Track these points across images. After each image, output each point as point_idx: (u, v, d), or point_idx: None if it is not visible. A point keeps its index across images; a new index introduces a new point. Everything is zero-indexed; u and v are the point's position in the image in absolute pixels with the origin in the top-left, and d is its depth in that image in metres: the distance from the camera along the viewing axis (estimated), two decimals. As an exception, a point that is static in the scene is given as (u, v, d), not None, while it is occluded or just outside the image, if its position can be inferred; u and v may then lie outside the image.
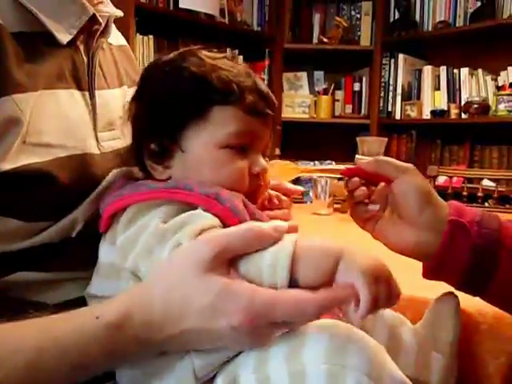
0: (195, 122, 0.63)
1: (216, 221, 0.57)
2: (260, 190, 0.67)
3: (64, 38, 0.66)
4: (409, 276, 0.90)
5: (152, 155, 0.65)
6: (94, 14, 0.69)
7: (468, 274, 0.62)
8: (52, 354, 0.48)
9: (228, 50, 3.19)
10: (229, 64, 0.67)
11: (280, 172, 0.70)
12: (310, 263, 0.50)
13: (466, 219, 0.62)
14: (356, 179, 0.67)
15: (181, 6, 2.85)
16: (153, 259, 0.56)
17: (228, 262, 0.51)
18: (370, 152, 1.57)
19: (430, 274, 0.65)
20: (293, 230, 0.55)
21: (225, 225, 0.57)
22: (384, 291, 0.49)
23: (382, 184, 0.66)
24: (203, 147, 0.64)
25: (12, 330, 0.49)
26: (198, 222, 0.55)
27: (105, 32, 0.72)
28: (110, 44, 0.79)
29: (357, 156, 0.68)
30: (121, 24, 0.88)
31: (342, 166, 0.70)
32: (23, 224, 0.61)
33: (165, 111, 0.65)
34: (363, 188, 0.67)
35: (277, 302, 0.48)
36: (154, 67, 0.70)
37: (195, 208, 0.58)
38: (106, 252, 0.63)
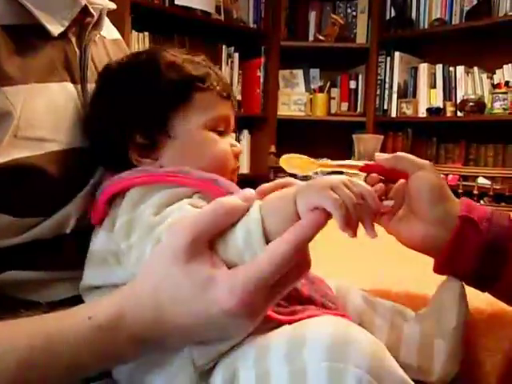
0: (181, 108, 0.66)
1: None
2: (237, 170, 0.70)
3: (55, 30, 0.65)
4: (412, 273, 0.90)
5: (138, 149, 0.65)
6: (86, 6, 0.68)
7: (477, 269, 0.63)
8: (44, 354, 0.47)
9: (224, 46, 3.20)
10: (191, 56, 0.70)
11: (297, 166, 0.68)
12: (277, 218, 0.49)
13: (476, 215, 0.63)
14: (375, 175, 0.67)
15: (176, 2, 2.84)
16: (144, 250, 0.55)
17: (207, 244, 0.49)
18: (366, 149, 1.57)
19: (440, 268, 0.66)
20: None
21: None
22: (347, 194, 0.48)
23: (401, 181, 0.67)
24: (191, 131, 0.66)
25: (3, 328, 0.48)
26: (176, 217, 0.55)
27: (97, 25, 0.72)
28: (104, 37, 0.78)
29: (376, 154, 0.66)
30: (116, 20, 0.87)
31: (360, 162, 0.69)
32: (14, 219, 0.61)
33: (150, 101, 0.65)
34: (381, 184, 0.66)
35: (257, 270, 0.47)
36: (118, 66, 0.69)
37: (194, 192, 0.60)
38: (102, 239, 0.62)
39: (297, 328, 0.52)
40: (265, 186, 0.64)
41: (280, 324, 0.55)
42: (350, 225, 0.48)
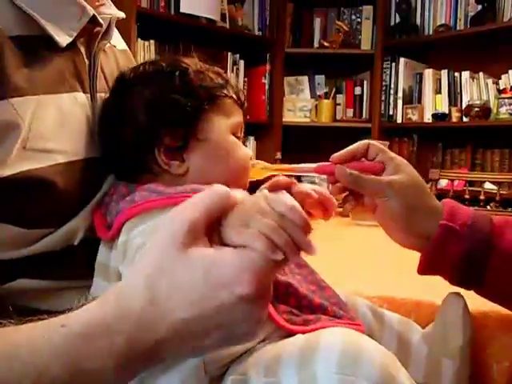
0: (210, 112, 0.68)
1: None
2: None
3: (63, 40, 0.65)
4: (417, 279, 0.90)
5: (167, 151, 0.66)
6: (94, 16, 0.68)
7: (458, 276, 0.64)
8: (10, 365, 0.41)
9: (229, 54, 3.21)
10: (209, 66, 0.73)
11: (254, 173, 0.72)
12: None
13: (457, 221, 0.63)
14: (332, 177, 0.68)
15: (182, 10, 2.85)
16: None
17: (204, 230, 0.45)
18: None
19: (422, 272, 0.67)
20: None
21: None
22: (263, 223, 0.44)
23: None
24: (219, 134, 0.69)
25: None
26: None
27: (106, 34, 0.72)
28: (114, 47, 0.79)
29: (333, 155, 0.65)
30: (122, 29, 0.88)
31: (314, 164, 0.70)
32: (22, 231, 0.61)
33: (181, 104, 0.66)
34: (337, 185, 0.68)
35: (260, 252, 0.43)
36: (140, 72, 0.70)
37: None
38: (106, 253, 0.63)
39: (309, 339, 0.52)
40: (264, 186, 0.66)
41: (291, 333, 0.55)
42: (279, 251, 0.44)
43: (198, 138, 0.67)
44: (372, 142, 0.69)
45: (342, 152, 0.68)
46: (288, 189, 0.68)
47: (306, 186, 0.71)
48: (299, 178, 0.75)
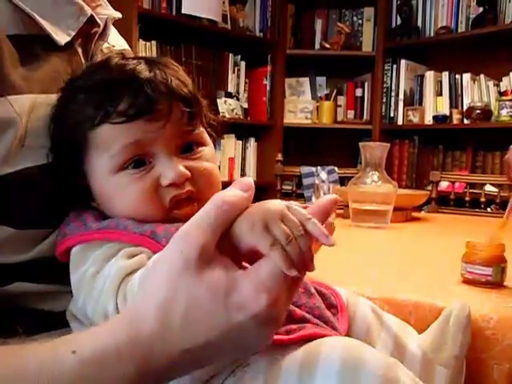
0: (82, 157, 0.59)
1: (137, 260, 0.54)
2: (185, 199, 0.58)
3: (62, 39, 0.65)
4: (418, 281, 0.90)
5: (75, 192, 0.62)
6: (92, 16, 0.68)
7: None
8: None
9: (230, 55, 3.21)
10: (99, 76, 0.59)
11: None
12: None
13: None
14: None
15: (183, 11, 2.86)
16: (95, 300, 0.54)
17: (216, 246, 0.44)
18: (373, 157, 1.57)
19: None
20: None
21: None
22: (282, 231, 0.43)
23: None
24: (98, 179, 0.59)
25: None
26: (114, 275, 0.53)
27: (103, 35, 0.72)
28: (113, 46, 0.79)
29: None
30: (124, 29, 0.88)
31: None
32: (16, 232, 0.60)
33: (59, 156, 0.61)
34: None
35: (271, 263, 0.43)
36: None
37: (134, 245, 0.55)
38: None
39: (309, 350, 0.51)
40: None
41: (278, 344, 0.52)
42: (294, 264, 0.42)
43: (86, 183, 0.60)
44: None
45: None
46: None
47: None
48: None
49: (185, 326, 0.42)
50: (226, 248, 0.44)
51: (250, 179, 0.47)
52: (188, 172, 0.58)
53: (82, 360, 0.41)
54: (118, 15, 0.75)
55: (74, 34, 0.67)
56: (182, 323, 0.42)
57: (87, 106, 0.57)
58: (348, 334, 0.64)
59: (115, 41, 0.80)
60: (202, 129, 0.63)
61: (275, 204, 0.45)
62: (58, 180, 0.61)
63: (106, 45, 0.75)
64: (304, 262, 0.43)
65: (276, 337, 0.51)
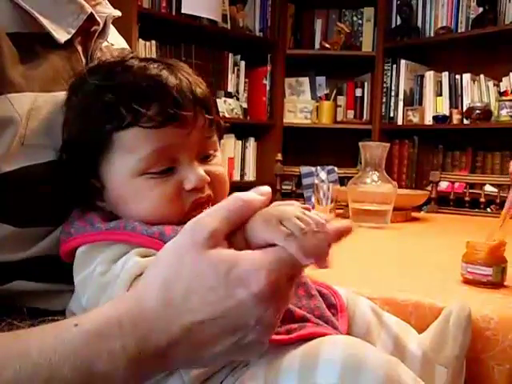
0: (102, 157, 0.59)
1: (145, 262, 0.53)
2: (205, 202, 0.60)
3: (62, 37, 0.65)
4: (415, 281, 0.89)
5: (92, 190, 0.62)
6: (91, 14, 0.68)
7: None
8: (19, 365, 0.40)
9: (230, 55, 3.21)
10: (124, 78, 0.59)
11: None
12: None
13: None
14: None
15: (183, 11, 2.85)
16: (108, 297, 0.54)
17: (225, 237, 0.45)
18: (373, 157, 1.57)
19: None
20: None
21: None
22: (297, 225, 0.45)
23: None
24: (118, 181, 0.59)
25: None
26: (128, 269, 0.53)
27: (103, 33, 0.72)
28: (112, 45, 0.79)
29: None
30: (123, 29, 0.88)
31: None
32: (17, 230, 0.61)
33: (75, 153, 0.61)
34: None
35: (279, 251, 0.44)
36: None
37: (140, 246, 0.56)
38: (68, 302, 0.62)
39: (309, 349, 0.51)
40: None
41: (278, 344, 0.53)
42: (309, 254, 0.44)
43: (103, 185, 0.60)
44: None
45: None
46: None
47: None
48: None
49: (186, 299, 0.42)
50: (238, 245, 0.45)
51: (268, 187, 0.49)
52: (208, 177, 0.60)
53: (83, 331, 0.42)
54: (118, 13, 0.75)
55: (73, 31, 0.67)
56: (183, 296, 0.43)
57: (115, 107, 0.57)
58: (348, 334, 0.64)
59: (114, 40, 0.80)
60: (215, 134, 0.65)
61: (292, 205, 0.48)
62: (67, 178, 0.61)
63: (105, 43, 0.75)
64: (318, 254, 0.45)
65: (276, 337, 0.52)
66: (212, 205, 0.58)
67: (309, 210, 0.48)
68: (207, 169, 0.61)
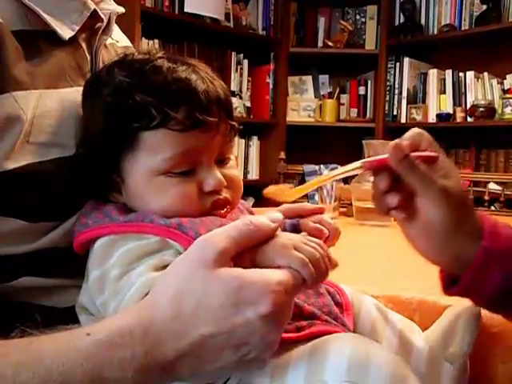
0: (126, 153, 0.60)
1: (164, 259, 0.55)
2: (223, 204, 0.62)
3: (66, 34, 0.66)
4: (422, 279, 0.89)
5: (112, 183, 0.63)
6: (95, 11, 0.69)
7: (495, 300, 0.57)
8: (32, 371, 0.41)
9: (233, 53, 3.21)
10: (154, 78, 0.60)
11: (278, 196, 0.64)
12: None
13: (499, 245, 0.56)
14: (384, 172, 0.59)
15: (186, 10, 2.86)
16: (118, 303, 0.54)
17: (231, 258, 0.47)
18: (376, 155, 1.56)
19: (452, 293, 0.59)
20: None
21: None
22: (310, 251, 0.50)
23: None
24: (139, 177, 0.60)
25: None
26: (138, 288, 0.53)
27: (107, 29, 0.72)
28: (117, 42, 0.79)
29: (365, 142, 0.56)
30: (126, 28, 0.88)
31: (357, 163, 0.63)
32: (27, 224, 0.61)
33: (98, 146, 0.62)
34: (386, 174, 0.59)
35: (288, 275, 0.47)
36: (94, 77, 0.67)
37: (161, 241, 0.57)
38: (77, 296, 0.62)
39: (317, 347, 0.52)
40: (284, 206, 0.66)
41: (287, 341, 0.53)
42: (317, 279, 0.49)
43: (122, 180, 0.62)
44: (423, 131, 0.61)
45: (400, 142, 0.59)
46: (300, 217, 0.67)
47: (311, 223, 0.65)
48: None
49: (195, 314, 0.44)
50: (244, 267, 0.47)
51: (280, 214, 0.53)
52: (225, 181, 0.62)
53: (95, 340, 0.43)
54: (122, 10, 0.75)
55: (77, 28, 0.67)
56: (192, 311, 0.44)
57: (146, 107, 0.58)
58: (353, 332, 0.64)
59: (118, 37, 0.80)
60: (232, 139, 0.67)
61: (293, 235, 0.53)
62: (85, 171, 0.63)
63: (109, 40, 0.75)
64: (323, 277, 0.51)
65: (285, 334, 0.52)
66: (229, 207, 0.63)
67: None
68: (224, 172, 0.63)
